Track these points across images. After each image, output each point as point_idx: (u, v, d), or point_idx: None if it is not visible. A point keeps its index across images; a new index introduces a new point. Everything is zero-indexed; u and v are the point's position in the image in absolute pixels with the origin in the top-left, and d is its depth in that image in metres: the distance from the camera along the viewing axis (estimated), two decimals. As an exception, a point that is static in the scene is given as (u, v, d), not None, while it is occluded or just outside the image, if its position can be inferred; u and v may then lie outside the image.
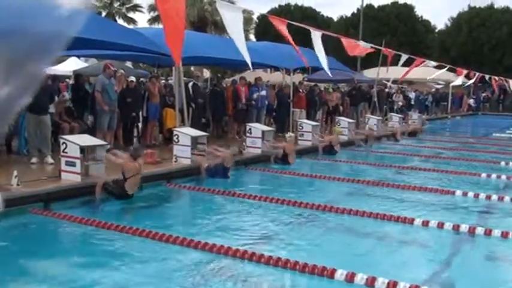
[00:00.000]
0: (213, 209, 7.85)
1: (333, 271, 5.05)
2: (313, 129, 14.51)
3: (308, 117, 16.98)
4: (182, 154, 10.25)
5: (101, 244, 5.99)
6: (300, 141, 14.33)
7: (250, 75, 18.21)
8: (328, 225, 7.22)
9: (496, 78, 36.98)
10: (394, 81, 26.46)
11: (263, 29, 45.77)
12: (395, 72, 23.15)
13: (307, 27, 15.07)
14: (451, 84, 33.09)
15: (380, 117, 19.84)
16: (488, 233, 6.70)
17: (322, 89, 20.53)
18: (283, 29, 13.11)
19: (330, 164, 12.54)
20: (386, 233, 6.86)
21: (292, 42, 13.12)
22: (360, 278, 4.92)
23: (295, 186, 9.79)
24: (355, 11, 50.29)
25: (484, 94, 40.28)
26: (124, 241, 6.06)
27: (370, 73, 27.85)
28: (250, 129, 12.50)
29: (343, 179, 10.39)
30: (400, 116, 21.72)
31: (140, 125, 13.04)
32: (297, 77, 22.05)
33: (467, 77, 32.17)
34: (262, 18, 44.66)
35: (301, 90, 17.68)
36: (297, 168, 11.48)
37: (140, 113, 12.73)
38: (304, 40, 15.78)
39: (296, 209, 7.82)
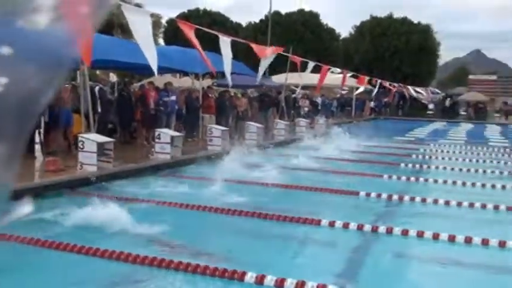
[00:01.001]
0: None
1: (243, 274, 5.08)
2: (223, 135, 14.57)
3: (219, 123, 17.01)
4: (88, 161, 9.93)
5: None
6: (210, 146, 14.34)
7: (159, 80, 17.97)
8: (236, 228, 7.26)
9: (396, 84, 39.00)
10: (304, 87, 27.10)
11: (172, 33, 45.42)
12: (306, 78, 23.72)
13: (215, 32, 15.12)
14: (356, 92, 34.44)
15: (288, 122, 20.26)
16: (389, 231, 7.03)
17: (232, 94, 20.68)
18: (190, 34, 13.05)
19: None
20: (292, 234, 7.00)
21: (198, 47, 13.08)
22: (270, 279, 4.99)
23: (202, 190, 9.71)
24: (263, 18, 51.16)
25: (385, 99, 42.28)
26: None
27: (279, 79, 28.37)
28: (159, 134, 12.33)
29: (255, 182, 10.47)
30: (307, 120, 22.32)
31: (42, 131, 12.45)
32: (206, 82, 22.06)
33: (370, 83, 33.67)
34: (171, 22, 44.29)
35: (210, 95, 17.69)
36: (199, 173, 11.45)
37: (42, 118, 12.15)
38: (213, 45, 15.80)
39: (202, 213, 7.79)
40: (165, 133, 12.49)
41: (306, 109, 26.93)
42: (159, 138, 12.25)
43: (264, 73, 19.99)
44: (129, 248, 5.72)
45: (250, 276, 5.05)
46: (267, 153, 15.21)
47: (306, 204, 8.89)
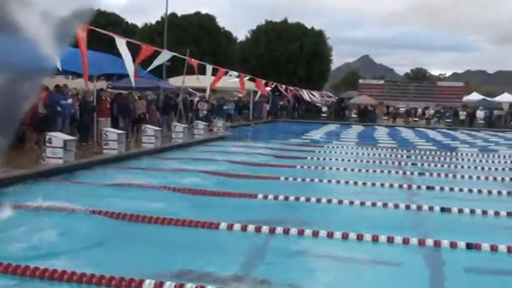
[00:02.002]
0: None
1: (141, 282, 4.98)
2: (119, 138, 14.20)
3: (116, 126, 16.54)
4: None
5: None
6: (105, 150, 13.92)
7: (50, 82, 17.15)
8: (137, 235, 7.11)
9: (292, 88, 40.05)
10: (204, 90, 27.05)
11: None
12: (204, 81, 23.69)
13: (111, 34, 14.71)
14: (257, 96, 34.91)
15: (186, 125, 20.16)
16: (286, 231, 7.20)
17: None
18: (81, 34, 12.51)
19: (140, 172, 12.35)
20: (188, 239, 6.99)
21: (83, 49, 12.61)
22: (168, 285, 4.93)
23: (96, 196, 9.40)
24: (160, 19, 50.54)
25: (281, 102, 43.28)
26: None
27: (176, 81, 28.14)
28: (50, 138, 11.78)
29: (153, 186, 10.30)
30: (205, 123, 22.32)
31: None
32: (101, 84, 21.39)
33: (266, 86, 34.30)
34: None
35: (104, 98, 17.17)
36: (99, 178, 11.13)
37: None
38: (109, 47, 15.36)
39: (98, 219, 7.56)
40: (57, 137, 11.95)
41: (205, 112, 26.93)
42: (51, 143, 11.70)
43: (161, 76, 19.73)
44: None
45: (148, 283, 4.96)
46: (163, 156, 15.05)
47: (203, 208, 8.85)
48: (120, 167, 12.97)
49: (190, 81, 23.83)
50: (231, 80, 28.33)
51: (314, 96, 46.06)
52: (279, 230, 7.26)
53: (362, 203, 9.28)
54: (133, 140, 18.05)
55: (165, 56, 18.46)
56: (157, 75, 28.12)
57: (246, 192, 10.00)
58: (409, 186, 11.52)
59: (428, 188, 11.43)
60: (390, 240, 6.98)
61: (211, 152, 17.10)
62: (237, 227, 7.34)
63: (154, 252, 6.44)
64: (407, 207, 9.24)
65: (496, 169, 15.23)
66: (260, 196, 9.70)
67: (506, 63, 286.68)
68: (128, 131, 17.24)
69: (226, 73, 25.52)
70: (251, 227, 7.31)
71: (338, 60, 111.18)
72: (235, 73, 28.68)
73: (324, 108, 45.93)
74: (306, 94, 43.36)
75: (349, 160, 16.18)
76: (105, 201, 8.79)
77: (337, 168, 14.10)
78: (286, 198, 9.59)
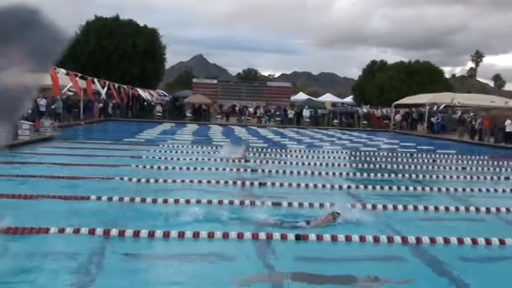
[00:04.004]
0: None
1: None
2: None
3: None
4: None
5: None
6: None
7: None
8: None
9: (125, 86, 39.11)
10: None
11: None
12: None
13: None
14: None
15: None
16: (122, 233, 7.03)
17: None
18: None
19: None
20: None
21: None
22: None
23: None
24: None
25: (114, 101, 41.95)
26: None
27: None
28: None
29: None
30: (31, 123, 20.84)
31: None
32: None
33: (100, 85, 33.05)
34: None
35: None
36: None
37: None
38: None
39: None
40: None
41: (29, 111, 25.15)
42: None
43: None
44: None
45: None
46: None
47: (30, 214, 8.26)
48: None
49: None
50: (60, 78, 26.74)
51: (151, 94, 45.48)
52: (114, 232, 7.05)
53: (198, 201, 9.38)
54: None
55: None
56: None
57: (78, 194, 9.57)
58: (243, 183, 11.92)
59: (260, 184, 11.92)
60: (240, 236, 7.17)
61: (38, 154, 16.07)
62: (69, 230, 6.98)
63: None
64: (242, 203, 9.55)
65: (321, 164, 16.37)
66: (93, 197, 9.34)
67: (328, 66, 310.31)
68: None
69: (54, 69, 24.08)
70: (84, 230, 7.01)
71: (172, 59, 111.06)
72: (64, 71, 27.20)
73: (159, 107, 45.58)
74: (140, 93, 42.65)
75: (184, 159, 16.25)
76: None
77: (173, 167, 14.07)
78: (121, 200, 9.36)
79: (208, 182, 11.76)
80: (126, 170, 13.29)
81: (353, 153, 20.79)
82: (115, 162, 14.55)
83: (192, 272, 6.11)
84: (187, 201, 9.35)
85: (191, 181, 11.73)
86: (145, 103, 46.30)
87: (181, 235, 7.07)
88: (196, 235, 7.09)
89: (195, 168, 13.99)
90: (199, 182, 11.73)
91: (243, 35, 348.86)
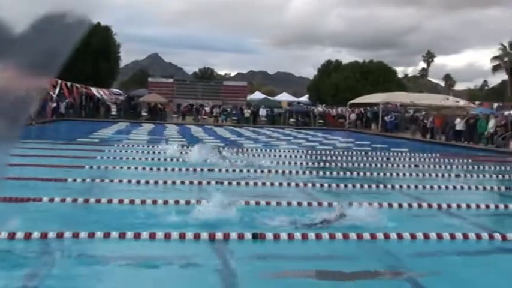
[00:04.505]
0: None
1: None
2: None
3: None
4: None
5: None
6: None
7: None
8: None
9: (78, 85, 38.39)
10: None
11: None
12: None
13: None
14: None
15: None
16: (76, 236, 6.88)
17: None
18: None
19: None
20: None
21: None
22: None
23: None
24: None
25: (67, 100, 41.11)
26: None
27: None
28: None
29: None
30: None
31: None
32: None
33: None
34: None
35: None
36: None
37: None
38: None
39: None
40: None
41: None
42: None
43: None
44: None
45: None
46: None
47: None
48: None
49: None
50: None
51: (105, 93, 44.79)
52: (68, 234, 6.89)
53: (154, 201, 9.28)
54: None
55: None
56: None
57: (30, 196, 9.32)
58: (200, 183, 11.86)
59: (217, 182, 11.89)
60: (197, 237, 7.11)
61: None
62: (20, 235, 6.77)
63: None
64: (198, 202, 9.50)
65: (278, 163, 16.45)
66: (45, 199, 9.12)
67: (284, 65, 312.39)
68: None
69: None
70: (36, 234, 6.82)
71: (127, 57, 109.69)
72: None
73: (114, 107, 44.92)
74: (94, 92, 41.95)
75: (140, 159, 16.06)
76: None
77: (128, 167, 13.87)
78: (75, 201, 9.18)
79: (165, 182, 11.65)
80: (80, 170, 13.02)
81: (309, 151, 20.99)
82: (68, 163, 14.23)
83: (149, 274, 6.04)
84: (143, 202, 9.24)
85: (147, 182, 11.59)
86: (100, 102, 45.56)
87: (137, 236, 6.98)
88: (152, 236, 7.01)
89: (151, 169, 13.83)
90: (155, 182, 11.61)
91: (199, 33, 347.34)
